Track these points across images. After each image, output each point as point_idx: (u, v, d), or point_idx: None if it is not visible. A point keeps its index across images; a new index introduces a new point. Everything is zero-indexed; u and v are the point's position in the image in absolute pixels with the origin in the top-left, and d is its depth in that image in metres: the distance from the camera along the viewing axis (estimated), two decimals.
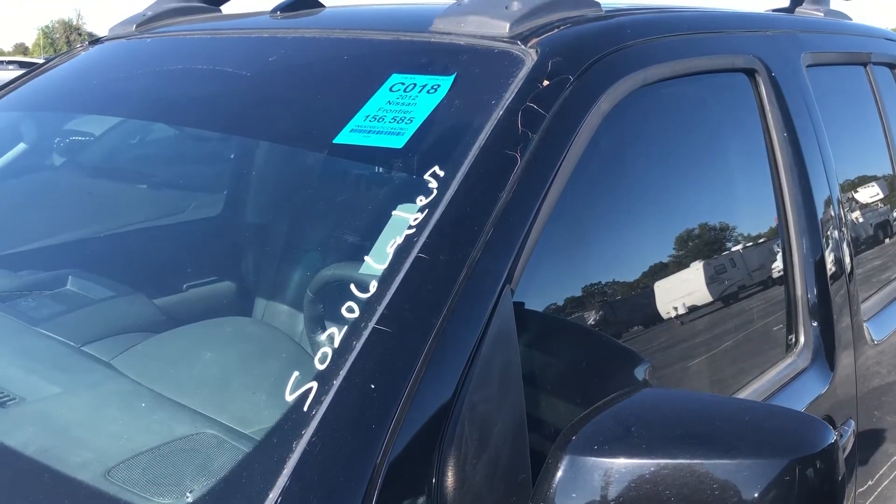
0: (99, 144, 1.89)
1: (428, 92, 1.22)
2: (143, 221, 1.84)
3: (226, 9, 2.06)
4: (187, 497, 0.84)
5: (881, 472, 1.96)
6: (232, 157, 1.58)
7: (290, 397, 0.88)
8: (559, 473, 0.86)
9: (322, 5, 1.78)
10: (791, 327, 1.59)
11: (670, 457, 0.82)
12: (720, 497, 0.81)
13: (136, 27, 1.89)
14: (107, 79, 1.74)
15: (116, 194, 1.86)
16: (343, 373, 0.87)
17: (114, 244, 1.75)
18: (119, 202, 1.84)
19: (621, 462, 0.83)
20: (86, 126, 1.89)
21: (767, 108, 1.58)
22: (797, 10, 2.20)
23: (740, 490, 0.81)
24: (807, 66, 1.77)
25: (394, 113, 1.20)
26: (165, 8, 1.95)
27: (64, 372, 1.17)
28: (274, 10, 1.73)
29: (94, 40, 1.97)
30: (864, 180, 2.06)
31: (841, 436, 1.57)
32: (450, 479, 0.88)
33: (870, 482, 1.83)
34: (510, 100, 1.14)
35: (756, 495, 0.81)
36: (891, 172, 2.14)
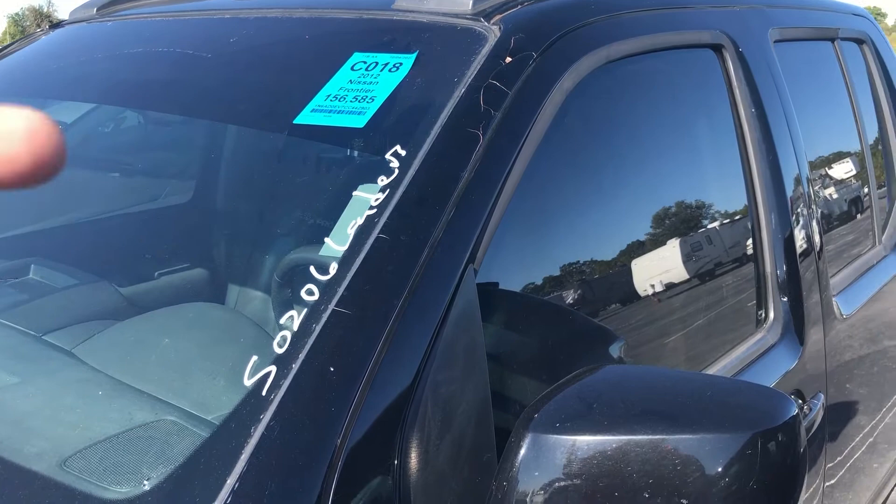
0: (69, 134, 1.85)
1: (390, 70, 1.20)
2: (113, 210, 1.82)
3: None
4: (144, 485, 0.82)
5: (853, 445, 1.98)
6: (195, 141, 1.56)
7: (248, 382, 0.86)
8: (522, 452, 0.85)
9: None
10: (761, 303, 1.59)
11: (632, 433, 0.82)
12: (682, 472, 0.80)
13: (98, 10, 1.85)
14: (67, 63, 1.71)
15: (84, 183, 1.83)
16: (302, 356, 0.86)
17: (80, 233, 1.72)
18: (87, 191, 1.81)
19: (583, 439, 0.83)
20: (55, 115, 1.86)
21: (735, 84, 1.58)
22: None
23: (703, 464, 0.81)
24: (774, 42, 1.77)
25: (355, 92, 1.18)
26: None
27: (23, 361, 1.15)
28: None
29: (55, 24, 1.93)
30: (832, 156, 2.07)
31: (811, 409, 1.58)
32: (413, 460, 0.87)
33: (839, 458, 1.85)
34: (472, 77, 1.12)
35: (719, 469, 0.81)
36: (859, 148, 2.15)
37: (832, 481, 1.85)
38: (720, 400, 0.85)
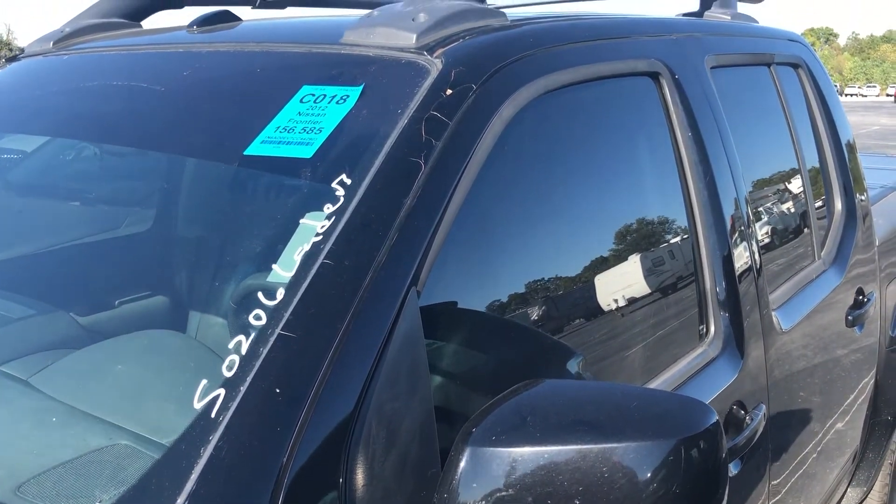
0: (28, 162, 1.87)
1: (337, 102, 1.25)
2: (72, 240, 1.83)
3: (147, 24, 2.06)
4: None
5: (805, 451, 2.05)
6: (152, 172, 1.59)
7: (198, 405, 0.90)
8: (461, 465, 0.90)
9: (239, 19, 1.79)
10: (702, 318, 1.66)
11: (562, 443, 0.87)
12: (610, 479, 0.85)
13: (54, 44, 1.88)
14: (22, 96, 1.73)
15: (44, 213, 1.85)
16: (249, 379, 0.90)
17: (39, 263, 1.74)
18: (46, 221, 1.82)
19: (518, 451, 0.87)
20: (15, 144, 1.88)
21: (672, 109, 1.65)
22: (706, 13, 2.30)
23: (629, 471, 0.86)
24: (711, 68, 1.85)
25: (304, 123, 1.23)
26: (84, 24, 1.94)
27: None
28: (190, 25, 1.74)
29: (11, 57, 1.95)
30: (771, 176, 2.16)
31: (752, 419, 1.65)
32: (359, 476, 0.91)
33: (790, 464, 1.92)
34: (415, 109, 1.18)
35: (644, 476, 0.86)
36: (797, 167, 2.24)
37: (785, 487, 1.91)
38: (645, 410, 0.90)
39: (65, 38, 1.89)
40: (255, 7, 2.32)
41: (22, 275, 1.69)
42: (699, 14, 2.30)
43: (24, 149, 1.86)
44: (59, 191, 1.88)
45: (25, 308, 1.53)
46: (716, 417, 0.92)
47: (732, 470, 1.61)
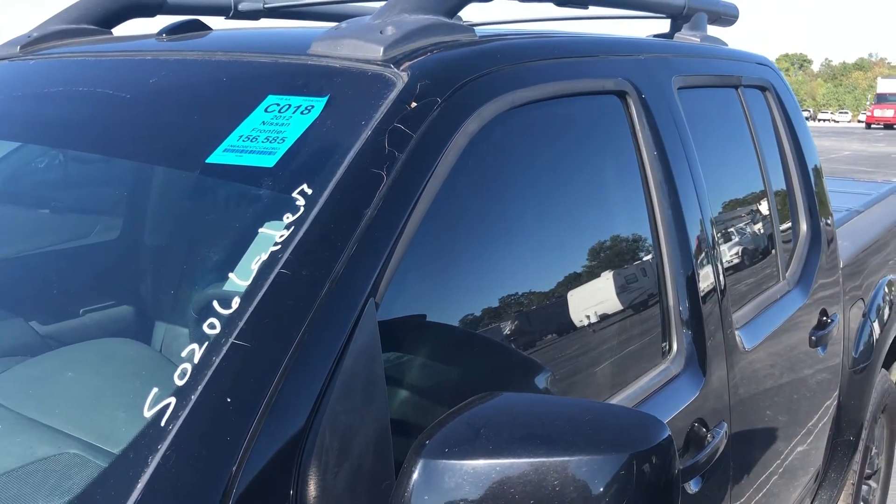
0: None
1: (301, 113, 1.25)
2: (35, 249, 1.81)
3: (118, 32, 2.05)
4: None
5: (770, 470, 2.07)
6: (110, 179, 1.58)
7: (148, 413, 0.89)
8: (414, 477, 0.89)
9: (208, 28, 1.79)
10: (665, 336, 1.67)
11: (514, 456, 0.87)
12: (561, 492, 0.85)
13: (21, 48, 1.86)
14: None
15: (7, 221, 1.82)
16: (200, 388, 0.89)
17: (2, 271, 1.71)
18: (8, 229, 1.80)
19: (469, 464, 0.87)
20: None
21: (638, 128, 1.67)
22: (676, 35, 2.33)
23: (581, 485, 0.86)
24: (678, 89, 1.87)
25: (267, 133, 1.23)
26: (52, 29, 1.93)
27: None
28: (159, 33, 1.74)
29: None
30: (737, 197, 2.19)
31: (713, 437, 1.65)
32: (311, 488, 0.90)
33: (754, 483, 1.93)
34: (379, 120, 1.18)
35: (595, 490, 0.86)
36: (762, 189, 2.27)
37: None
38: (598, 424, 0.90)
39: (32, 43, 1.88)
40: (228, 17, 2.32)
41: None
42: (669, 36, 2.33)
43: None
44: (22, 197, 1.86)
45: None
46: (668, 433, 0.92)
47: (693, 488, 1.61)
